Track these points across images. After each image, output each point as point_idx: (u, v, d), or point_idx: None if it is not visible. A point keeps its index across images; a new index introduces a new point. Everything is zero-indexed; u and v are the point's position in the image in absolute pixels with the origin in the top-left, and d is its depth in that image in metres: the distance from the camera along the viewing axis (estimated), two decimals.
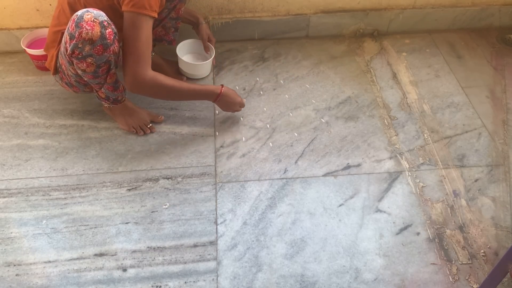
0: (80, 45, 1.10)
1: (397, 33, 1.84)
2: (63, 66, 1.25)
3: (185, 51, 1.64)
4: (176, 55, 1.57)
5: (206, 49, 1.60)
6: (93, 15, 1.09)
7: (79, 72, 1.18)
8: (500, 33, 1.84)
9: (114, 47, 1.15)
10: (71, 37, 1.10)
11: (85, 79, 1.22)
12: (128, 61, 1.18)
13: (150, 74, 1.20)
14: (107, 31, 1.11)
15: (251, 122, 1.47)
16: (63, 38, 1.17)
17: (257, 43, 1.79)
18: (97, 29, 1.09)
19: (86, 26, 1.08)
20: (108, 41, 1.12)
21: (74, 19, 1.10)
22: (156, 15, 1.16)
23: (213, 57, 1.59)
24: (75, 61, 1.15)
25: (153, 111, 1.46)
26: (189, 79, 1.61)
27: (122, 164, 1.33)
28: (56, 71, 1.32)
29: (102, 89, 1.27)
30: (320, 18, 1.75)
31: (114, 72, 1.23)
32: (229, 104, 1.39)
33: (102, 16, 1.10)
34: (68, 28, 1.11)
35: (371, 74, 1.66)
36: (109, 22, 1.12)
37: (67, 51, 1.14)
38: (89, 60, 1.13)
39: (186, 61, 1.56)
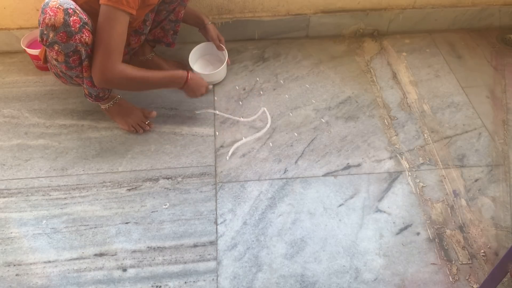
0: (45, 32, 1.10)
1: (397, 33, 1.84)
2: (48, 57, 1.26)
3: (196, 58, 1.62)
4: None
5: (220, 48, 1.57)
6: (58, 1, 1.09)
7: (54, 62, 1.18)
8: (500, 33, 1.84)
9: (81, 36, 1.13)
10: (38, 23, 1.12)
11: (64, 70, 1.21)
12: (97, 55, 1.17)
13: (119, 68, 1.19)
14: (71, 18, 1.10)
15: (251, 122, 1.47)
16: None
17: (257, 43, 1.79)
18: (60, 16, 1.08)
19: (50, 12, 1.08)
20: (73, 29, 1.10)
21: (41, 5, 1.10)
22: (134, 12, 1.15)
23: (227, 58, 1.55)
24: (47, 50, 1.15)
25: (154, 110, 1.46)
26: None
27: (122, 164, 1.33)
28: (46, 60, 1.32)
29: (84, 84, 1.27)
30: (320, 18, 1.75)
31: (87, 64, 1.20)
32: (196, 89, 1.38)
33: (68, 3, 1.09)
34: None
35: (371, 74, 1.66)
36: (76, 10, 1.11)
37: None
38: (56, 48, 1.13)
39: (199, 71, 1.53)
